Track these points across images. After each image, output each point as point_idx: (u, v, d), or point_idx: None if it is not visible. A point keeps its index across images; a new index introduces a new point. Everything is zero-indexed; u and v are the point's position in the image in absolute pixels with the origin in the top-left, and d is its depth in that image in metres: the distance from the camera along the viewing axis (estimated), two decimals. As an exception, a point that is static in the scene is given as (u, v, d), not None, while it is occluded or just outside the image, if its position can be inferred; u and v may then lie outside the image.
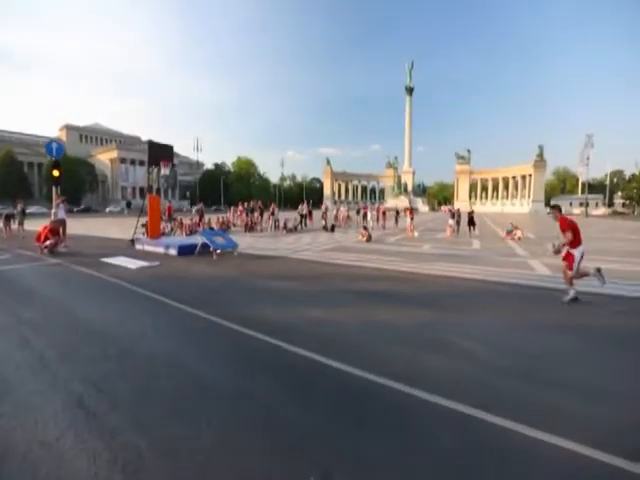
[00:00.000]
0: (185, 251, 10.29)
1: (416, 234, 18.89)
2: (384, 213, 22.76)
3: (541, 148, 75.92)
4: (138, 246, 11.63)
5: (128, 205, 76.52)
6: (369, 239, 15.12)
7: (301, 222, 21.64)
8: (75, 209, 58.86)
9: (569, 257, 5.83)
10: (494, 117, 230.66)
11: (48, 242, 10.19)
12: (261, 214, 20.89)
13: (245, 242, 13.37)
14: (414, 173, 79.18)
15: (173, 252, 10.25)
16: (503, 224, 28.71)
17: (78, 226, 23.22)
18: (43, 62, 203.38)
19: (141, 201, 77.70)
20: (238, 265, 8.88)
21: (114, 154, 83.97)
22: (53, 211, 11.53)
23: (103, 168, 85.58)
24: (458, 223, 19.18)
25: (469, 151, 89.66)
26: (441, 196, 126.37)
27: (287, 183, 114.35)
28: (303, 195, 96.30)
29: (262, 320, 4.59)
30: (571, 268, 5.74)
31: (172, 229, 17.28)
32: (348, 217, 24.16)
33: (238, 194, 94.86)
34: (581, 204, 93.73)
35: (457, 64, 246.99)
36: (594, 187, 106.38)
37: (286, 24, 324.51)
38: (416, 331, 4.31)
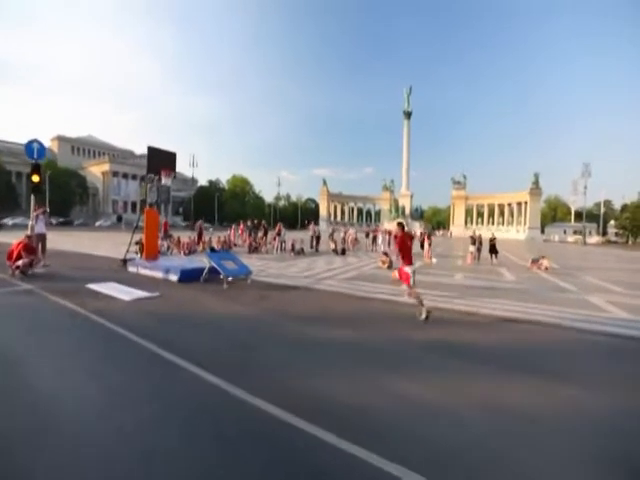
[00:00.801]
0: (188, 277, 8.59)
1: (434, 260, 17.50)
2: (396, 237, 21.30)
3: (536, 176, 77.10)
4: (131, 268, 9.85)
5: (119, 219, 74.10)
6: (390, 265, 13.64)
7: (311, 244, 20.08)
8: (55, 221, 55.62)
9: (401, 272, 6.60)
10: (483, 143, 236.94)
11: (21, 262, 8.33)
12: (265, 234, 19.26)
13: (253, 266, 11.66)
14: (412, 196, 78.97)
15: (174, 278, 8.53)
16: (510, 251, 27.81)
17: (64, 241, 21.25)
18: (38, 73, 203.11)
19: (133, 215, 75.63)
20: (257, 299, 7.20)
21: (106, 167, 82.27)
22: (30, 223, 9.67)
23: (94, 181, 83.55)
24: (479, 250, 17.90)
25: (465, 177, 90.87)
26: (435, 220, 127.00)
27: (282, 203, 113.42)
28: (298, 215, 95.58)
29: (324, 402, 2.97)
30: (407, 283, 6.40)
31: (168, 247, 15.53)
32: (356, 240, 22.70)
33: (232, 212, 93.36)
34: (575, 232, 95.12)
35: (451, 89, 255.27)
36: (585, 216, 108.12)
37: (281, 45, 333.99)
38: (588, 430, 2.70)
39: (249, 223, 19.88)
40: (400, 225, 7.16)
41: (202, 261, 10.88)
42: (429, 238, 18.18)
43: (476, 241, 17.68)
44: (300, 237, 20.83)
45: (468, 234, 22.58)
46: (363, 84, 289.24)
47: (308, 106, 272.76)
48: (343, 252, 18.56)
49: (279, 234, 18.34)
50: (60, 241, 21.05)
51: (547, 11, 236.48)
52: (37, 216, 9.66)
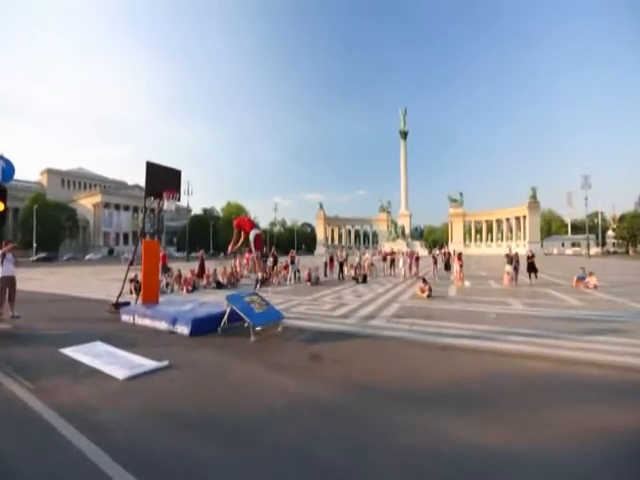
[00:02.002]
0: (203, 328, 6.45)
1: (467, 284, 15.56)
2: (417, 259, 19.42)
3: (534, 190, 77.11)
4: (126, 317, 7.62)
5: (110, 252, 71.38)
6: (430, 294, 11.65)
7: (325, 271, 18.05)
8: (33, 258, 52.26)
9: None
10: (472, 163, 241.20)
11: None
12: (275, 262, 17.17)
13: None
14: (411, 216, 77.95)
15: (184, 330, 6.38)
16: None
17: (46, 280, 18.83)
18: (25, 106, 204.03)
19: (125, 247, 72.94)
20: (306, 359, 5.06)
21: (98, 198, 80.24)
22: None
23: (85, 213, 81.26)
24: (516, 270, 16.01)
25: (462, 194, 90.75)
26: (430, 239, 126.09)
27: (277, 228, 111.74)
28: (294, 240, 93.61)
29: None
30: None
31: (167, 284, 13.34)
32: (372, 264, 20.70)
33: (228, 240, 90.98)
34: (573, 244, 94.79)
35: (443, 108, 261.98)
36: (579, 228, 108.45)
37: (274, 75, 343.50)
38: None
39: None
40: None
41: (214, 302, 8.78)
42: (460, 259, 16.24)
43: (513, 260, 15.80)
44: (315, 264, 18.76)
45: (467, 252, 20.86)
46: (355, 110, 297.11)
47: (300, 132, 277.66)
48: (364, 279, 16.51)
49: (292, 262, 16.28)
50: (41, 281, 18.66)
51: (541, 28, 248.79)
52: (3, 254, 7.47)
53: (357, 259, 20.27)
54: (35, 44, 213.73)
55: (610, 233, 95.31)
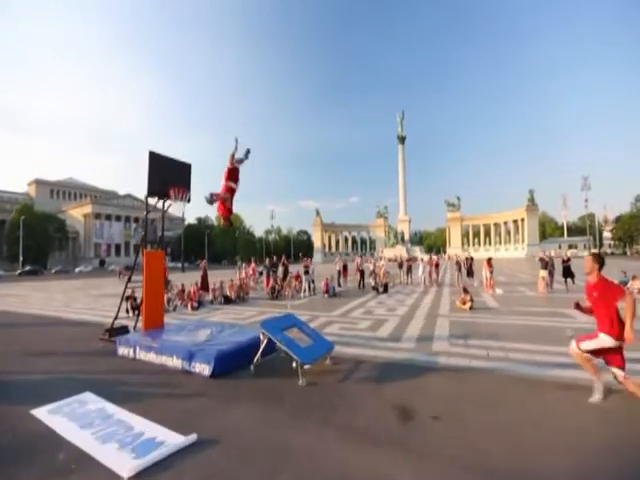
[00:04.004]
0: (229, 365, 4.85)
1: (499, 291, 14.14)
2: (437, 265, 17.95)
3: (532, 192, 76.66)
4: (123, 349, 5.93)
5: (101, 264, 68.85)
6: (472, 306, 10.19)
7: (339, 281, 16.51)
8: (18, 272, 49.73)
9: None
10: (466, 167, 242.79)
11: None
12: (285, 272, 15.55)
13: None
14: (410, 221, 76.84)
15: (204, 370, 4.75)
16: (524, 272, 24.53)
17: (29, 297, 16.87)
18: (13, 116, 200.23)
19: (117, 259, 70.40)
20: (405, 420, 3.48)
21: (88, 209, 77.76)
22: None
23: (75, 224, 78.63)
24: (551, 275, 14.66)
25: (459, 198, 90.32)
26: (426, 244, 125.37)
27: (272, 236, 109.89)
28: (291, 248, 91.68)
29: None
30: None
31: (169, 301, 11.64)
32: (387, 272, 19.21)
33: (223, 249, 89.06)
34: (569, 246, 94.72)
35: (434, 114, 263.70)
36: (571, 230, 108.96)
37: (266, 82, 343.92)
38: None
39: (267, 261, 16.13)
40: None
41: (232, 325, 7.16)
42: (490, 264, 14.81)
43: (548, 264, 14.43)
44: (331, 274, 17.19)
45: (465, 255, 19.53)
46: (346, 116, 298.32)
47: (293, 140, 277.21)
48: (385, 289, 14.99)
49: (307, 272, 14.67)
50: (23, 298, 16.75)
51: (537, 28, 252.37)
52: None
53: (371, 266, 18.78)
54: (27, 51, 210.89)
55: (607, 234, 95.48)
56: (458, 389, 4.27)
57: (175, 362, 5.09)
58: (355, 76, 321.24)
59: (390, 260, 38.14)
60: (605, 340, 3.61)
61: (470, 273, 17.62)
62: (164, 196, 6.72)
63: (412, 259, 19.91)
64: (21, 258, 56.70)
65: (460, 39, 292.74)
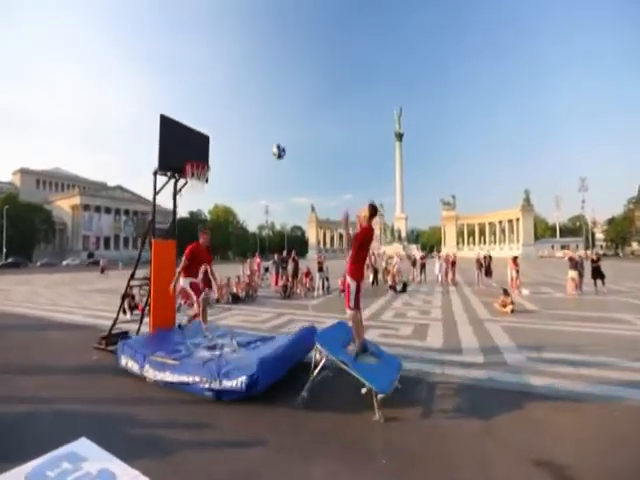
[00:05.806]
0: (272, 378, 3.67)
1: (525, 292, 13.19)
2: (453, 263, 16.93)
3: (527, 192, 76.72)
4: (125, 362, 4.67)
5: (90, 256, 66.32)
6: (513, 309, 9.17)
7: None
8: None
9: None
10: (457, 167, 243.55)
11: None
12: (296, 269, 14.30)
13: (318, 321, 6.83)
14: (407, 219, 76.16)
15: (239, 385, 3.52)
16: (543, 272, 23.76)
17: (13, 291, 15.29)
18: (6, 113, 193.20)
19: (106, 252, 68.03)
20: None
21: (76, 200, 74.87)
22: None
23: (62, 215, 75.74)
24: (581, 275, 13.73)
25: (454, 197, 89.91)
26: (419, 243, 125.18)
27: (266, 232, 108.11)
28: (285, 244, 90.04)
29: None
30: None
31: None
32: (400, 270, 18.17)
33: (216, 243, 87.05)
34: (562, 247, 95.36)
35: (428, 113, 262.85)
36: (562, 231, 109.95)
37: (259, 80, 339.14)
38: None
39: (276, 257, 14.87)
40: None
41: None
42: (516, 263, 13.82)
43: (577, 264, 13.50)
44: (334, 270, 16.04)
45: (460, 255, 18.66)
46: (340, 114, 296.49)
47: (288, 136, 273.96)
48: (404, 288, 13.89)
49: (320, 269, 13.47)
50: (3, 294, 15.20)
51: (534, 25, 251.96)
52: None
53: (383, 264, 17.70)
54: (14, 47, 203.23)
55: (599, 235, 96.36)
56: (587, 428, 3.16)
57: (197, 380, 3.84)
58: (350, 73, 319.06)
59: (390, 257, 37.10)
60: None
61: (489, 272, 16.65)
62: (178, 173, 5.44)
63: (425, 257, 18.86)
64: (4, 250, 54.20)
65: (457, 33, 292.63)
